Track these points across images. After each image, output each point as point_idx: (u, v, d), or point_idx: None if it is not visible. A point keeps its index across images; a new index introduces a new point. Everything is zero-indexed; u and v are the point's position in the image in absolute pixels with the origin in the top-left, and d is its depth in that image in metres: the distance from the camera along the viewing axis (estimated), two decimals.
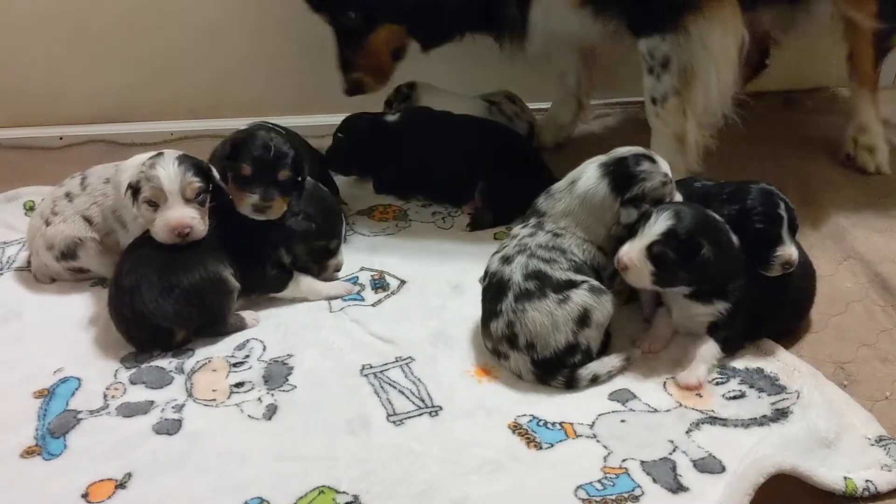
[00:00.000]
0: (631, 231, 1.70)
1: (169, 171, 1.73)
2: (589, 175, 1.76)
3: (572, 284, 1.66)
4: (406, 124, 2.39)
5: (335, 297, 1.93)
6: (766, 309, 1.73)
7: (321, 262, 1.98)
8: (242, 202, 1.82)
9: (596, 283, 1.69)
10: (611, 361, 1.68)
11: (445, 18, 2.15)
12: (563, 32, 2.17)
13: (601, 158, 1.79)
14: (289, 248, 1.92)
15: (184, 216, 1.73)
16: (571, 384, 1.64)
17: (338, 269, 2.02)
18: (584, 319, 1.64)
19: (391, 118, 2.42)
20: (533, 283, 1.66)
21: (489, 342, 1.71)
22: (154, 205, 1.74)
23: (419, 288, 1.98)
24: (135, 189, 1.76)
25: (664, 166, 1.75)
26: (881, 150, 2.49)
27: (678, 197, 1.78)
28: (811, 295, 1.83)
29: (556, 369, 1.64)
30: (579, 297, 1.65)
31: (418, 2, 2.06)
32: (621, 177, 1.73)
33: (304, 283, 1.92)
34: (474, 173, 2.27)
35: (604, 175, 1.74)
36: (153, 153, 1.81)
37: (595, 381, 1.65)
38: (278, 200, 1.82)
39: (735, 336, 1.72)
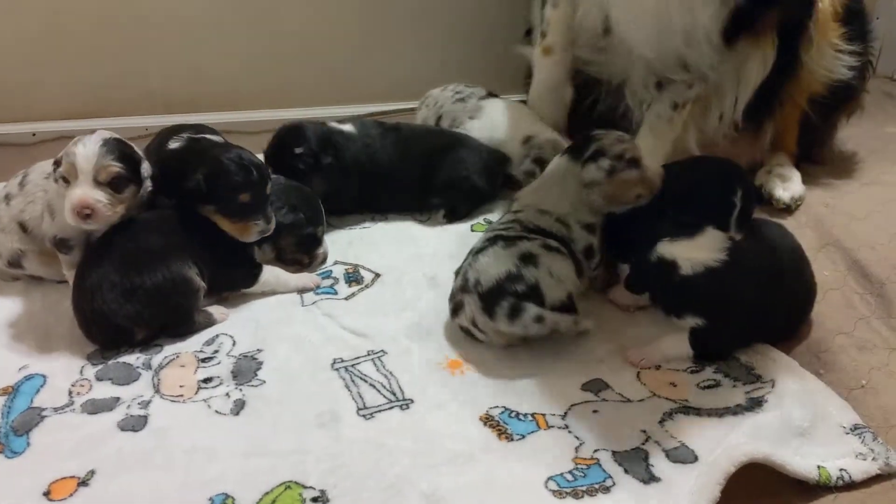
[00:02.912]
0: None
1: (87, 150, 1.67)
2: (553, 160, 1.87)
3: (523, 238, 1.70)
4: (363, 134, 2.22)
5: (305, 289, 1.91)
6: (760, 316, 1.67)
7: (310, 251, 1.97)
8: (248, 232, 1.80)
9: (553, 242, 1.70)
10: (563, 316, 1.65)
11: None
12: None
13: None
14: (274, 243, 1.90)
15: (86, 196, 1.66)
16: (515, 313, 1.63)
17: (325, 259, 2.00)
18: (527, 258, 1.66)
19: (346, 128, 2.21)
20: (485, 242, 1.73)
21: (451, 304, 1.73)
22: (67, 182, 1.68)
23: (394, 281, 1.95)
24: (56, 164, 1.72)
25: (618, 132, 1.83)
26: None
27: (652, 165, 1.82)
28: (810, 297, 1.77)
29: (499, 298, 1.63)
30: (525, 244, 1.68)
31: None
32: (577, 146, 1.81)
33: (274, 275, 1.90)
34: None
35: (564, 152, 1.84)
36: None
37: (540, 321, 1.63)
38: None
39: (717, 349, 1.68)
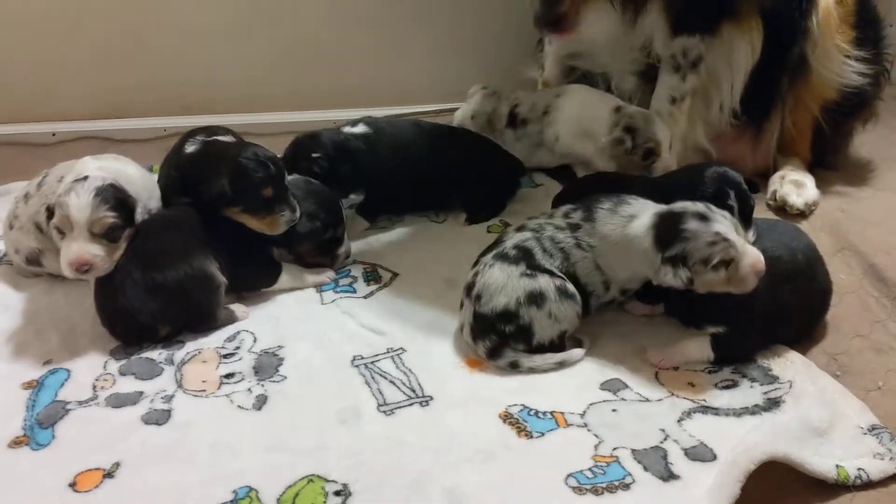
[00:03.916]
0: None
1: (81, 201, 1.64)
2: (643, 220, 1.65)
3: (547, 273, 1.67)
4: (379, 137, 2.21)
5: (322, 284, 1.94)
6: (778, 318, 1.68)
7: (332, 252, 1.98)
8: (276, 224, 1.82)
9: (571, 287, 1.68)
10: (543, 358, 1.66)
11: None
12: None
13: (662, 208, 1.66)
14: (290, 249, 1.93)
15: (82, 253, 1.64)
16: (493, 354, 1.66)
17: (348, 256, 2.02)
18: (534, 298, 1.64)
19: (358, 130, 2.19)
20: (515, 252, 1.69)
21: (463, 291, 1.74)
22: (62, 232, 1.67)
23: (412, 280, 1.97)
24: (49, 212, 1.70)
25: (719, 225, 1.58)
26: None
27: (747, 261, 1.58)
28: (825, 297, 1.77)
29: (487, 330, 1.65)
30: (544, 281, 1.66)
31: None
32: (664, 232, 1.61)
33: (292, 272, 1.92)
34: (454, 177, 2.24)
35: (653, 226, 1.63)
36: (105, 157, 1.80)
37: (515, 366, 1.65)
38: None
39: (738, 353, 1.68)
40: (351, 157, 2.12)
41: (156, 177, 2.02)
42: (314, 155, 2.08)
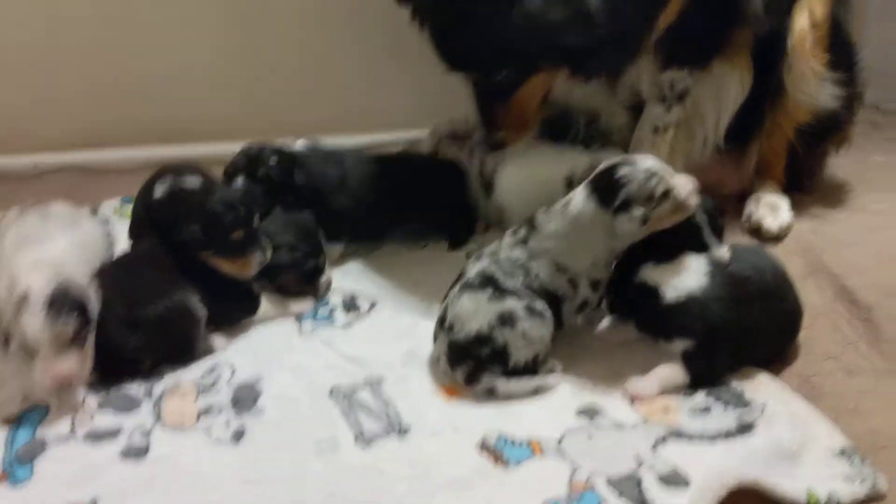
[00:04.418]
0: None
1: (35, 321, 1.54)
2: (578, 195, 1.73)
3: (514, 294, 1.70)
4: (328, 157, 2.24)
5: (303, 312, 1.95)
6: (748, 338, 1.71)
7: (313, 282, 2.00)
8: (248, 266, 1.84)
9: (540, 305, 1.70)
10: (519, 384, 1.68)
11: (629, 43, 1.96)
12: None
13: (588, 179, 1.75)
14: (273, 280, 1.94)
15: (60, 371, 1.57)
16: (471, 379, 1.67)
17: (329, 286, 2.03)
18: (505, 319, 1.66)
19: (305, 147, 2.24)
20: (479, 279, 1.73)
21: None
22: (29, 353, 1.58)
23: (391, 309, 1.99)
24: (5, 337, 1.59)
25: (645, 162, 1.71)
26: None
27: (680, 183, 1.70)
28: (795, 319, 1.80)
29: (464, 357, 1.67)
30: (512, 302, 1.68)
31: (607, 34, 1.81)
32: (604, 190, 1.70)
33: (273, 302, 1.94)
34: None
35: (591, 192, 1.71)
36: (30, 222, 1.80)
37: (491, 393, 1.67)
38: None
39: (710, 371, 1.70)
40: (304, 168, 2.15)
41: (100, 230, 2.06)
42: (272, 160, 2.11)
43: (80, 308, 1.62)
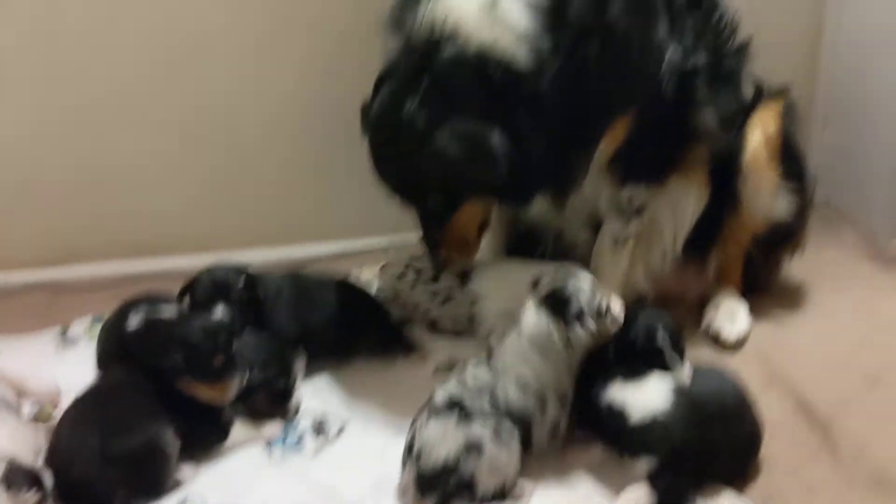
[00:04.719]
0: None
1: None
2: (527, 317, 1.84)
3: (481, 417, 1.73)
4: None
5: (272, 437, 1.95)
6: (709, 458, 1.76)
7: (284, 403, 2.01)
8: (227, 391, 1.86)
9: (507, 428, 1.74)
10: None
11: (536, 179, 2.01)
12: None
13: (532, 301, 1.86)
14: (244, 401, 1.95)
15: None
16: None
17: (298, 409, 2.04)
18: (472, 448, 1.69)
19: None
20: (445, 404, 1.76)
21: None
22: None
23: (360, 431, 2.00)
24: None
25: (586, 280, 1.86)
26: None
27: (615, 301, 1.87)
28: (755, 439, 1.84)
29: (431, 488, 1.69)
30: (478, 429, 1.71)
31: (510, 170, 1.87)
32: (557, 304, 1.82)
33: (242, 426, 1.94)
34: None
35: (543, 311, 1.82)
36: None
37: None
38: None
39: (675, 490, 1.74)
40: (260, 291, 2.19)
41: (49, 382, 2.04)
42: (240, 284, 2.14)
43: (36, 482, 1.63)
